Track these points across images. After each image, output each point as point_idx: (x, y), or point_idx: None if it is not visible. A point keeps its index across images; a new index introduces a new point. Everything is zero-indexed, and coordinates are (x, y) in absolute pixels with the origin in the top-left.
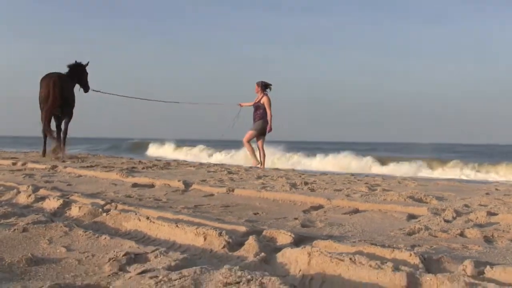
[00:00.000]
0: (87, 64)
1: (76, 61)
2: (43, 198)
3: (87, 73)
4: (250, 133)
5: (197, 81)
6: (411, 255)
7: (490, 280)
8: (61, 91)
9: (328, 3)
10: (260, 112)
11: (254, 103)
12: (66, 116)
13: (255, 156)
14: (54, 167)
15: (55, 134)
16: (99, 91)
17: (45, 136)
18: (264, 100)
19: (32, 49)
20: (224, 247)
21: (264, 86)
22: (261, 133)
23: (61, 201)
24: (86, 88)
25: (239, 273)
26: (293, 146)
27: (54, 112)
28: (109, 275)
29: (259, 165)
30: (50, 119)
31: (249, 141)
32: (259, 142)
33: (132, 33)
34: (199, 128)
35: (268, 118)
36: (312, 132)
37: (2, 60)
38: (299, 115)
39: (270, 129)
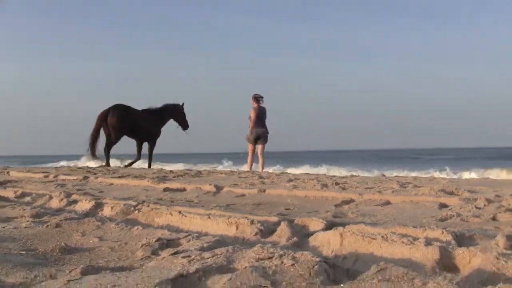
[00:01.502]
0: (182, 105)
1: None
2: (75, 202)
3: (183, 113)
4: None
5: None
6: (443, 232)
7: None
8: (119, 120)
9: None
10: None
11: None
12: (148, 143)
13: (251, 163)
14: (85, 178)
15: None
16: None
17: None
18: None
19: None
20: (256, 234)
21: (255, 99)
22: (261, 139)
23: (93, 202)
24: (183, 126)
25: (271, 249)
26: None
27: (95, 135)
28: (142, 259)
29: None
30: (93, 140)
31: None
32: (260, 147)
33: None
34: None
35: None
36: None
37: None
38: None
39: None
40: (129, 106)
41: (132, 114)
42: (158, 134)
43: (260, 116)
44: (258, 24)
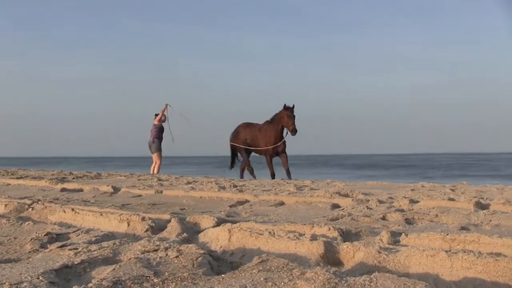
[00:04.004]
0: (288, 107)
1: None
2: None
3: (288, 117)
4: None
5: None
6: (329, 229)
7: (404, 246)
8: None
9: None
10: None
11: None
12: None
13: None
14: None
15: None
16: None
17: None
18: None
19: None
20: (147, 230)
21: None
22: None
23: None
24: (290, 130)
25: (157, 242)
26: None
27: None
28: (30, 252)
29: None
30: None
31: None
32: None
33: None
34: None
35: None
36: None
37: None
38: None
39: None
40: (246, 123)
41: (246, 131)
42: (263, 145)
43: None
44: (156, 28)
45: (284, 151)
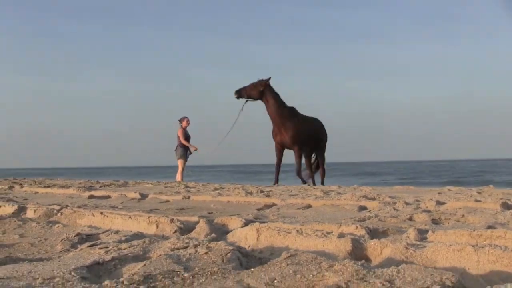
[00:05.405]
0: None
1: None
2: None
3: None
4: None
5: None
6: (357, 227)
7: (431, 242)
8: None
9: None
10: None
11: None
12: None
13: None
14: (10, 187)
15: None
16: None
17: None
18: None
19: None
20: (175, 231)
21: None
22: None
23: (16, 206)
24: None
25: (187, 240)
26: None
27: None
28: (61, 251)
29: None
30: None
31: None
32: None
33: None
34: None
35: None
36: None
37: None
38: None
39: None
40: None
41: None
42: None
43: None
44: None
45: (291, 147)
